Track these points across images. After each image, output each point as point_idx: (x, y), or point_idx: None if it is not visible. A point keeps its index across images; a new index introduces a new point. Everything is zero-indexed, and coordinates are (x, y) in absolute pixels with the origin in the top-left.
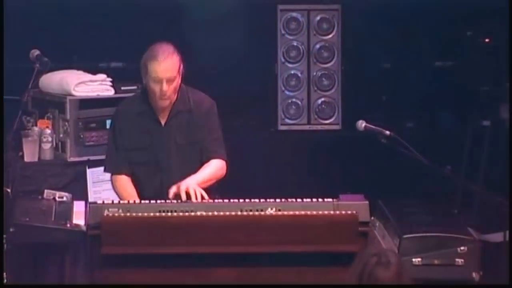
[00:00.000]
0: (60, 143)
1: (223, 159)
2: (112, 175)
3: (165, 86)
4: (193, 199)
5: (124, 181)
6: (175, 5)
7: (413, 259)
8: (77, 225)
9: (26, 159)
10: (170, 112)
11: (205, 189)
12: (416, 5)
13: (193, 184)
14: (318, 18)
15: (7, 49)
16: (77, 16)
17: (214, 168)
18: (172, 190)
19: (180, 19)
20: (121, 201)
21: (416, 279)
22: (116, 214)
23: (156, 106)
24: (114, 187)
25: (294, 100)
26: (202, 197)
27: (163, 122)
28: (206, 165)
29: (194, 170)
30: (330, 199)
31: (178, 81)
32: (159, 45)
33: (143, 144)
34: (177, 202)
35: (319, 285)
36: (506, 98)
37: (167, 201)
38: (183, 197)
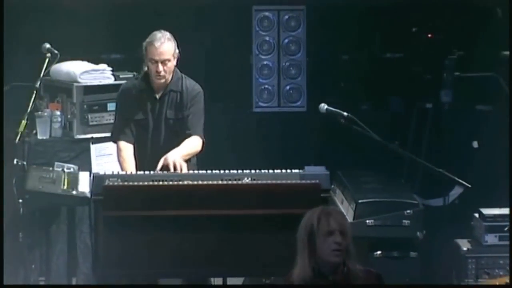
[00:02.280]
0: (68, 123)
1: (201, 137)
2: (116, 142)
3: (160, 67)
4: (178, 171)
5: (125, 152)
6: (166, 4)
7: (367, 221)
8: (82, 192)
9: (39, 136)
10: (164, 90)
11: (186, 161)
12: (370, 6)
13: (178, 158)
14: (286, 17)
15: (23, 44)
16: (82, 14)
17: (194, 144)
18: (160, 163)
19: (170, 17)
20: (120, 172)
21: (369, 238)
22: (115, 183)
23: (153, 84)
24: (118, 155)
25: (266, 86)
26: (181, 169)
27: (157, 97)
28: (187, 140)
29: (178, 142)
30: (297, 170)
31: (172, 63)
32: (158, 32)
33: (141, 115)
34: (167, 172)
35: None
36: (446, 85)
37: (159, 172)
38: (171, 169)
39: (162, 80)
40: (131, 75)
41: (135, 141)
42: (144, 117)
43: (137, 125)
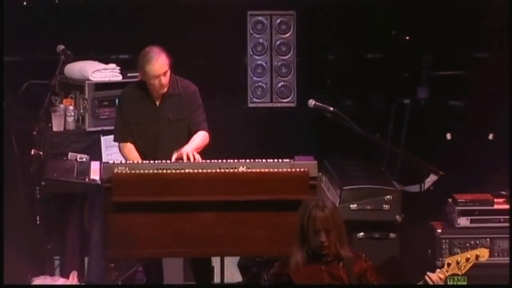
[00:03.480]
0: (80, 117)
1: (206, 130)
2: (119, 143)
3: (163, 79)
4: (192, 161)
5: (130, 147)
6: (168, 9)
7: (351, 205)
8: (93, 180)
9: (54, 129)
10: (163, 96)
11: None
12: (353, 11)
13: (191, 150)
14: (278, 20)
15: (40, 46)
16: (93, 18)
17: (202, 138)
18: (174, 156)
19: (171, 20)
20: (128, 161)
21: (353, 220)
22: (124, 171)
23: (154, 94)
24: (122, 153)
25: (260, 84)
26: (194, 158)
27: (157, 103)
28: (195, 136)
29: (182, 140)
30: (287, 160)
31: (169, 72)
32: (149, 50)
33: (141, 120)
34: (170, 162)
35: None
36: (422, 83)
37: (163, 161)
38: (184, 159)
39: (165, 89)
40: (137, 74)
41: (138, 141)
42: (147, 121)
43: (139, 128)
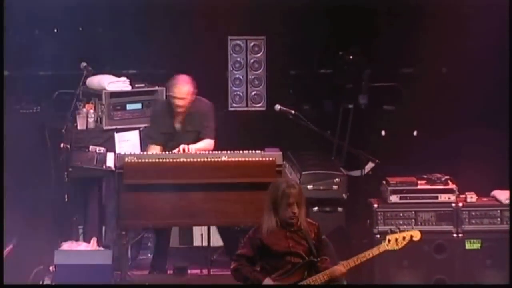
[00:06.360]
0: (99, 118)
1: (212, 138)
2: (150, 145)
3: (181, 102)
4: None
5: (156, 148)
6: (171, 31)
7: (308, 186)
8: (109, 167)
9: (78, 127)
10: (185, 114)
11: None
12: (309, 36)
13: (192, 147)
14: (252, 44)
15: (67, 63)
16: (108, 42)
17: (205, 142)
18: (177, 149)
19: (171, 45)
20: (136, 152)
21: (310, 198)
22: (133, 160)
23: (177, 109)
24: (148, 150)
25: (238, 93)
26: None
27: (181, 119)
28: (202, 141)
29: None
30: (259, 151)
31: (190, 98)
32: (179, 77)
33: (169, 130)
34: (171, 153)
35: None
36: (362, 92)
37: (163, 152)
38: (181, 150)
39: (183, 109)
40: (142, 85)
41: (165, 145)
42: (172, 131)
43: (166, 136)
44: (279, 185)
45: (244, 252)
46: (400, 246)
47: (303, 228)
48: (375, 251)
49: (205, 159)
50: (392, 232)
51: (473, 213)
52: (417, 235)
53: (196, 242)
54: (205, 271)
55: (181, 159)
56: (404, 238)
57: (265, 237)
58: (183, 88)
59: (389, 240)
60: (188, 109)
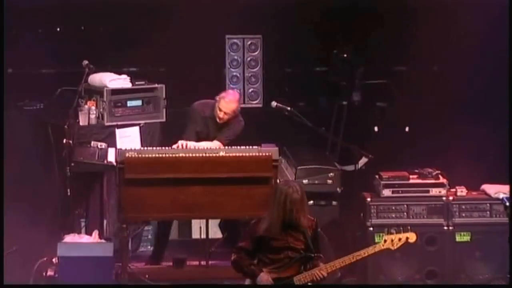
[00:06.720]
0: (100, 114)
1: (222, 143)
2: (184, 140)
3: (223, 115)
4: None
5: (189, 144)
6: (170, 30)
7: (303, 180)
8: (110, 162)
9: (81, 123)
10: (222, 122)
11: None
12: (306, 35)
13: (191, 143)
14: (249, 42)
15: (70, 61)
16: (109, 40)
17: (213, 143)
18: (175, 146)
19: (171, 43)
20: (136, 148)
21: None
22: (133, 155)
23: (216, 118)
24: (185, 145)
25: (235, 90)
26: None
27: (216, 124)
28: (212, 141)
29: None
30: (256, 146)
31: (230, 114)
32: (231, 93)
33: (204, 130)
34: (170, 148)
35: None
36: (356, 89)
37: (162, 148)
38: (179, 146)
39: (222, 121)
40: (142, 82)
41: (197, 142)
42: (206, 131)
43: (199, 135)
44: (282, 190)
45: (244, 245)
46: (395, 247)
47: (302, 226)
48: (370, 250)
49: (204, 155)
50: (389, 232)
51: (463, 207)
52: (412, 238)
53: (195, 234)
54: (203, 263)
55: (180, 154)
56: (400, 239)
57: (265, 232)
58: (231, 105)
59: (385, 240)
60: (226, 121)
